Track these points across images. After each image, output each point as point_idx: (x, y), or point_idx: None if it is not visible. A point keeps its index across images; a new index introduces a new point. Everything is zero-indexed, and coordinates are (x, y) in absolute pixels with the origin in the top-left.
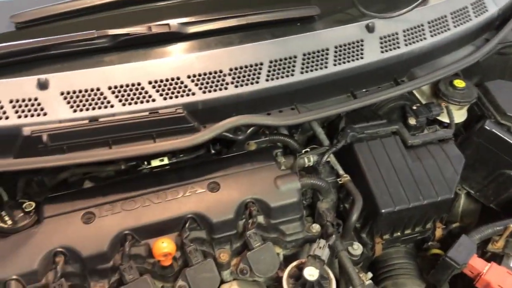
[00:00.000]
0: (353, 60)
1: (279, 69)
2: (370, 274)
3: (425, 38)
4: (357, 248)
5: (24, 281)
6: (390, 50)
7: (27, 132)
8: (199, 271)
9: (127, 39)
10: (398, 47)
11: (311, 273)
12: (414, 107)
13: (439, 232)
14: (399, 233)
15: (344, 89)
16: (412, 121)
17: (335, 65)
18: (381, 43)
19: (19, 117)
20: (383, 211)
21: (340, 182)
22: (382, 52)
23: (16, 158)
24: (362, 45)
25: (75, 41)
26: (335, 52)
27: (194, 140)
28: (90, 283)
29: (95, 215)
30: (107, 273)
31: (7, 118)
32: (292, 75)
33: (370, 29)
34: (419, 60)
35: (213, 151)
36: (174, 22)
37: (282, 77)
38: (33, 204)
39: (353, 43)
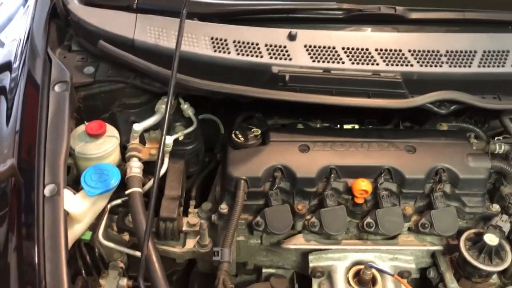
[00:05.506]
0: None
1: (491, 59)
2: None
3: None
4: None
5: (249, 183)
6: None
7: (275, 70)
8: (387, 214)
9: (359, 14)
10: None
11: (491, 239)
12: None
13: None
14: None
15: None
16: None
17: None
18: None
19: (271, 58)
20: None
21: None
22: None
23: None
24: None
25: (319, 8)
26: None
27: (407, 104)
28: (294, 201)
29: (309, 148)
30: (309, 196)
31: (261, 57)
32: (503, 66)
33: None
34: None
35: (402, 128)
36: (400, 7)
37: (494, 66)
38: (259, 131)
39: None
